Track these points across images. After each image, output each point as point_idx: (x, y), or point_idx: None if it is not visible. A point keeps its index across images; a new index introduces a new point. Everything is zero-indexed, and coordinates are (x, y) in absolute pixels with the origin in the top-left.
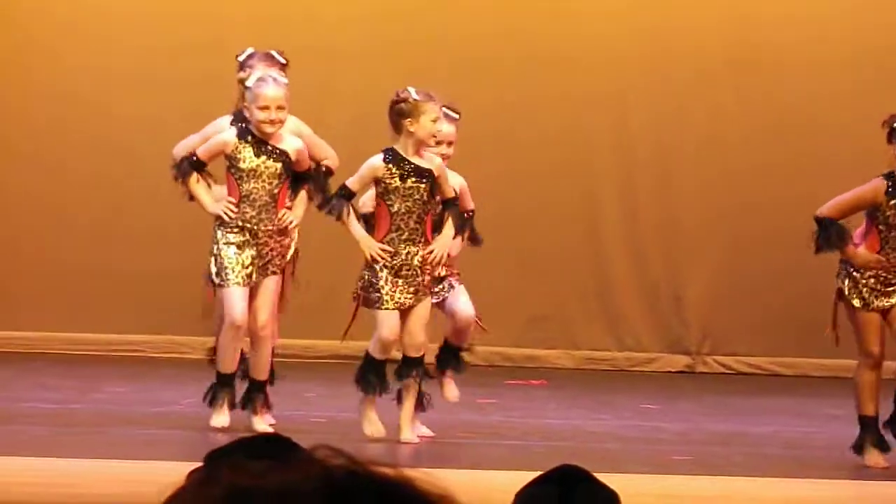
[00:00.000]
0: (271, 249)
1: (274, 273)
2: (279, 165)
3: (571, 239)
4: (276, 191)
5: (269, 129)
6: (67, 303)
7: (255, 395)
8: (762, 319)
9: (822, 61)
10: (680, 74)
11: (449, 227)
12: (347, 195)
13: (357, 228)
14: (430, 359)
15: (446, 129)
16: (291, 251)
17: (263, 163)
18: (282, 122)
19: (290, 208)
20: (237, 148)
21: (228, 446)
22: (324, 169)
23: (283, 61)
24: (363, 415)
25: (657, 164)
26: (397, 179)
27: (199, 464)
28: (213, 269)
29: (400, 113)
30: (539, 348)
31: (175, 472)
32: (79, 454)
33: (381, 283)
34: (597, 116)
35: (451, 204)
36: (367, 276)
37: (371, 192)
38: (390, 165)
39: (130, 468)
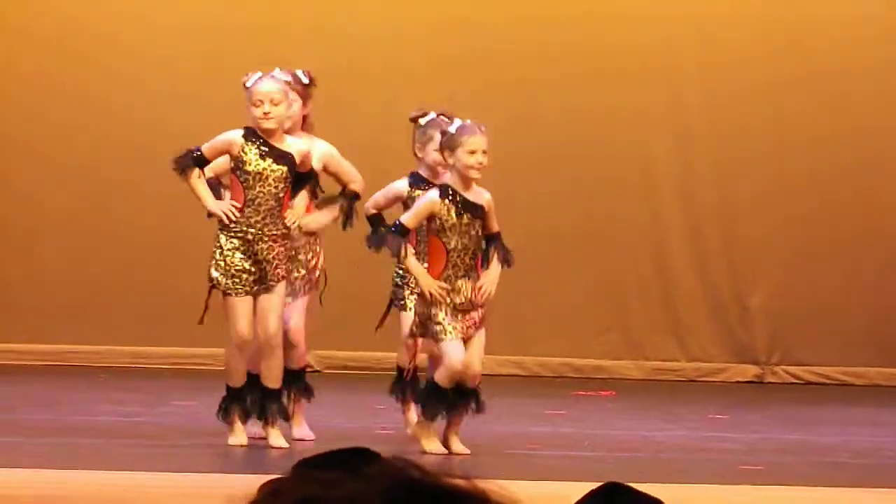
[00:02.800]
0: (276, 255)
1: (281, 279)
2: (284, 168)
3: (638, 250)
4: (281, 195)
5: (265, 124)
6: (134, 316)
7: (269, 405)
8: (831, 328)
9: (890, 63)
10: (739, 83)
11: (496, 263)
12: (403, 232)
13: (416, 266)
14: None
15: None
16: (318, 272)
17: (269, 166)
18: (278, 117)
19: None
20: (243, 149)
21: (315, 458)
22: (349, 193)
23: (306, 81)
24: (425, 436)
25: (720, 173)
26: (453, 216)
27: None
28: (216, 275)
29: (441, 145)
30: (607, 359)
31: (245, 484)
32: (146, 467)
33: (441, 315)
34: (656, 128)
35: (496, 239)
36: (422, 311)
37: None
38: (446, 202)
39: (199, 481)
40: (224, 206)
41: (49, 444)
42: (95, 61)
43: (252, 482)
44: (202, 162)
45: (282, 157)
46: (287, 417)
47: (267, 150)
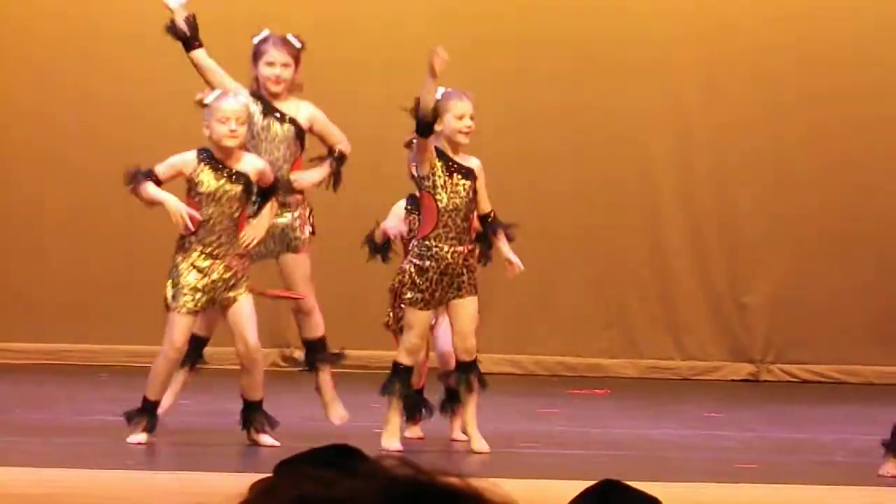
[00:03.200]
0: (235, 272)
1: (245, 294)
2: (239, 189)
3: (634, 248)
4: (236, 215)
5: (229, 142)
6: (133, 315)
7: (253, 416)
8: (827, 327)
9: (888, 57)
10: (739, 81)
11: (499, 238)
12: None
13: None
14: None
15: None
16: (307, 232)
17: (223, 186)
18: (242, 137)
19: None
20: (195, 170)
21: (298, 456)
22: (337, 154)
23: (298, 45)
24: (386, 429)
25: (718, 170)
26: (444, 173)
27: (261, 475)
28: (170, 293)
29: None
30: (602, 357)
31: (237, 483)
32: (139, 466)
33: (424, 282)
34: (655, 123)
35: (491, 218)
36: (411, 273)
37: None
38: (440, 161)
39: (194, 480)
40: (183, 210)
41: (47, 444)
42: (98, 59)
43: (244, 481)
44: (155, 181)
45: (237, 177)
46: (273, 425)
47: (221, 170)
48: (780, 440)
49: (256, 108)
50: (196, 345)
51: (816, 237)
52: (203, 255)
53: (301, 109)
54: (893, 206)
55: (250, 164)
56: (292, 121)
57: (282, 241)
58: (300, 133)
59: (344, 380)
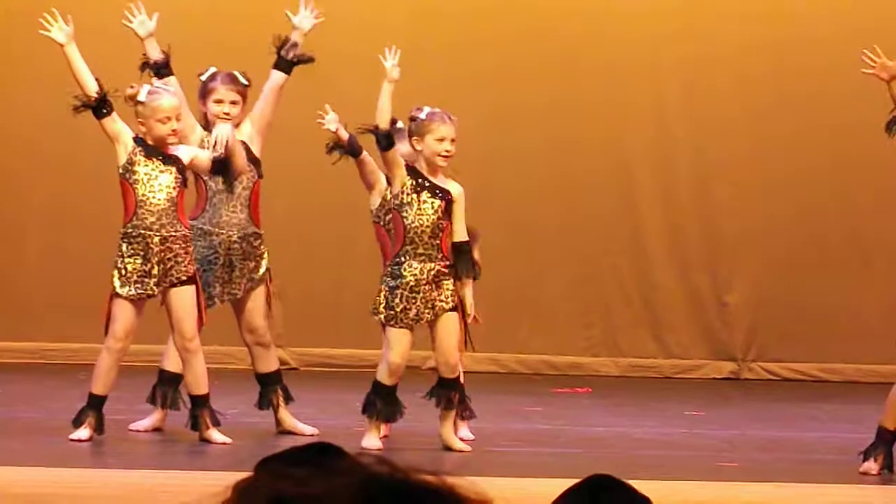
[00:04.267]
0: (175, 255)
1: (183, 282)
2: (173, 169)
3: (615, 246)
4: (174, 194)
5: (172, 140)
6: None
7: (200, 412)
8: (808, 325)
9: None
10: (720, 79)
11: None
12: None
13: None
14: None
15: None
16: (263, 269)
17: (158, 167)
18: (181, 132)
19: (198, 205)
20: (133, 151)
21: (278, 455)
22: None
23: (246, 83)
24: (368, 429)
25: (698, 168)
26: (412, 192)
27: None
28: (118, 282)
29: (409, 132)
30: (584, 356)
31: (220, 481)
32: (124, 465)
33: (390, 298)
34: (636, 122)
35: (461, 250)
36: (384, 293)
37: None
38: (409, 178)
39: (179, 478)
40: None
41: (27, 443)
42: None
43: (228, 479)
44: (105, 106)
45: (168, 158)
46: (217, 421)
47: (156, 154)
48: (762, 438)
49: (206, 140)
50: (172, 383)
51: (797, 236)
52: (143, 239)
53: (243, 129)
54: (873, 205)
55: (182, 152)
56: (244, 146)
57: (246, 279)
58: (254, 157)
59: (327, 378)
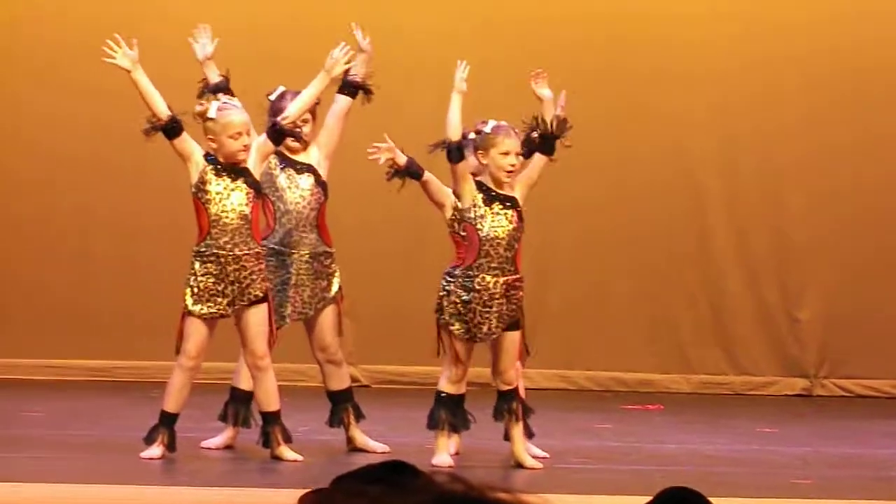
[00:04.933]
0: (249, 273)
1: (257, 300)
2: (244, 185)
3: (684, 262)
4: (246, 212)
5: (242, 156)
6: (140, 329)
7: (272, 429)
8: (881, 340)
9: None
10: (785, 83)
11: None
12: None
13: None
14: None
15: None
16: (335, 288)
17: (228, 185)
18: (250, 147)
19: (268, 226)
20: (204, 168)
21: (353, 473)
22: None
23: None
24: (436, 446)
25: (766, 180)
26: (482, 204)
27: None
28: (189, 301)
29: (475, 145)
30: (655, 373)
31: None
32: (196, 483)
33: (469, 314)
34: (700, 129)
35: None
36: (449, 304)
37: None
38: (479, 191)
39: (251, 495)
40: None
41: (98, 461)
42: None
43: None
44: (177, 128)
45: (239, 173)
46: (289, 438)
47: (226, 170)
48: (834, 455)
49: (274, 161)
50: (244, 400)
51: (869, 246)
52: (217, 258)
53: (311, 154)
54: None
55: (247, 161)
56: (310, 169)
57: (318, 299)
58: (319, 180)
59: (398, 396)
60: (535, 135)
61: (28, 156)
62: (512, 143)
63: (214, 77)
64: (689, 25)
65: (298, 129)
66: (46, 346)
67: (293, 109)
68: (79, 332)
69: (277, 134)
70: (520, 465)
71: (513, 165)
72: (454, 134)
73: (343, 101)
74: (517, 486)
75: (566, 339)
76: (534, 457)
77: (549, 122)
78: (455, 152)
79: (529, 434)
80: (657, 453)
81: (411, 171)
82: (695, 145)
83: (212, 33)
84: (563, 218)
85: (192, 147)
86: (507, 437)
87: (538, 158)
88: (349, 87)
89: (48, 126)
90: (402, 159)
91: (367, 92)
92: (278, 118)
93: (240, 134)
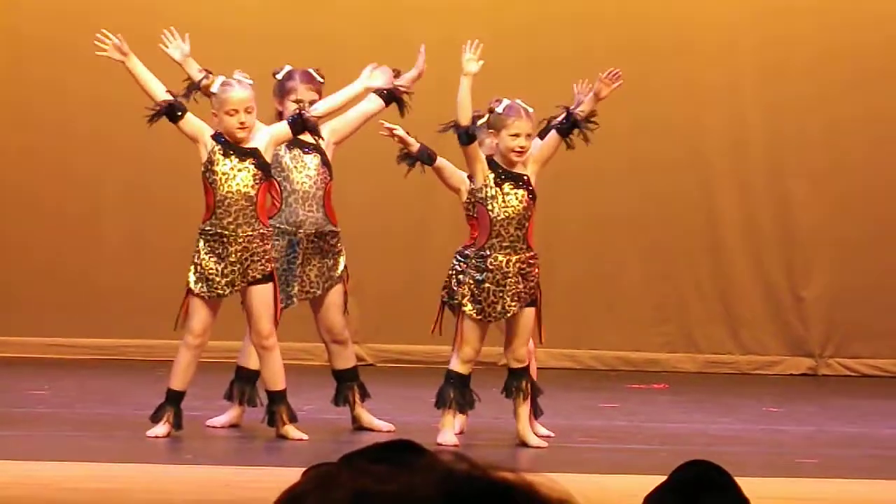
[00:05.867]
0: (252, 254)
1: (259, 280)
2: (251, 166)
3: (690, 242)
4: (252, 193)
5: (241, 134)
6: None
7: (277, 408)
8: (886, 320)
9: None
10: (796, 61)
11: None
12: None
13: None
14: None
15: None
16: (341, 267)
17: (235, 165)
18: (252, 126)
19: (274, 205)
20: (212, 149)
21: (359, 452)
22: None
23: (321, 80)
24: (442, 424)
25: (772, 159)
26: (493, 184)
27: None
28: (192, 279)
29: (488, 123)
30: (660, 352)
31: (297, 477)
32: (201, 461)
33: (483, 294)
34: (710, 106)
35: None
36: (469, 286)
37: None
38: (490, 172)
39: (256, 474)
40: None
41: (106, 438)
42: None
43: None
44: (181, 110)
45: (247, 154)
46: (294, 417)
47: (233, 149)
48: (840, 435)
49: (283, 144)
50: (250, 379)
51: (875, 227)
52: (220, 238)
53: (321, 133)
54: None
55: (259, 139)
56: (317, 149)
57: (325, 278)
58: (326, 160)
59: (403, 374)
60: (559, 117)
61: (37, 135)
62: (522, 124)
63: (196, 74)
64: (700, 2)
65: (318, 127)
66: (54, 324)
67: (322, 107)
68: (86, 310)
69: (299, 124)
70: (524, 444)
71: (521, 147)
72: (463, 117)
73: (376, 103)
74: (523, 465)
75: (572, 319)
76: (539, 436)
77: (580, 108)
78: (464, 136)
79: (537, 413)
80: (663, 432)
81: (423, 157)
82: (703, 124)
83: (180, 32)
84: (570, 197)
85: (199, 128)
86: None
87: (553, 137)
88: (389, 94)
89: (57, 104)
90: (414, 146)
91: (402, 107)
92: (304, 111)
93: (236, 111)
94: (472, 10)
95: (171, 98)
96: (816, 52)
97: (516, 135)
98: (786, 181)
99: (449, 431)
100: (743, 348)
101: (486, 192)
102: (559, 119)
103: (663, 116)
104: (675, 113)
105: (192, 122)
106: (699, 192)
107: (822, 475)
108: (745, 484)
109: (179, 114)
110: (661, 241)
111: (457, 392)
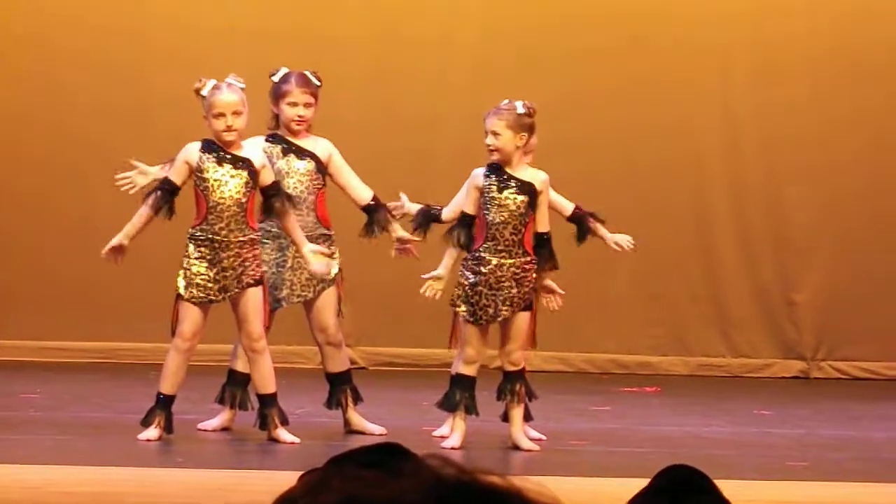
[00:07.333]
0: (244, 260)
1: (251, 285)
2: (244, 173)
3: (682, 244)
4: (244, 200)
5: (228, 137)
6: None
7: (269, 411)
8: (878, 323)
9: None
10: (787, 61)
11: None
12: (468, 222)
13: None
14: None
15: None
16: (335, 270)
17: (228, 172)
18: (240, 129)
19: (261, 220)
20: (201, 159)
21: (348, 455)
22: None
23: (318, 83)
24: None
25: (765, 162)
26: (496, 191)
27: (269, 472)
28: (181, 284)
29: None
30: (652, 355)
31: (289, 481)
32: (192, 465)
33: (476, 296)
34: (702, 110)
35: (543, 243)
36: (464, 287)
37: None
38: (491, 176)
39: (248, 477)
40: (114, 243)
41: (97, 442)
42: (72, 56)
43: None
44: (175, 191)
45: (240, 162)
46: (286, 420)
47: (225, 156)
48: (831, 438)
49: (276, 148)
50: (242, 383)
51: (867, 230)
52: (212, 243)
53: (318, 145)
54: None
55: (251, 153)
56: (312, 156)
57: (318, 281)
58: (321, 167)
59: (396, 377)
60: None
61: (31, 137)
62: (489, 122)
63: (161, 173)
64: (693, 4)
65: (291, 208)
66: (46, 328)
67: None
68: (79, 314)
69: (272, 201)
70: (516, 447)
71: (489, 145)
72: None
73: (360, 202)
74: (514, 469)
75: (564, 322)
76: (531, 439)
77: (594, 222)
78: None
79: (528, 417)
80: (654, 436)
81: (429, 218)
82: (695, 126)
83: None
84: (565, 193)
85: (185, 167)
86: (505, 417)
87: (559, 208)
88: (382, 221)
89: (51, 107)
90: (412, 209)
91: (372, 226)
92: (285, 202)
93: (223, 115)
94: (465, 11)
95: (157, 194)
96: (809, 54)
97: (486, 133)
98: (778, 184)
99: (458, 435)
100: (735, 351)
101: (487, 196)
102: (579, 217)
103: (655, 118)
104: (667, 114)
105: (182, 175)
106: (691, 195)
107: (813, 478)
108: (737, 487)
109: (175, 192)
110: (652, 244)
111: (465, 394)
